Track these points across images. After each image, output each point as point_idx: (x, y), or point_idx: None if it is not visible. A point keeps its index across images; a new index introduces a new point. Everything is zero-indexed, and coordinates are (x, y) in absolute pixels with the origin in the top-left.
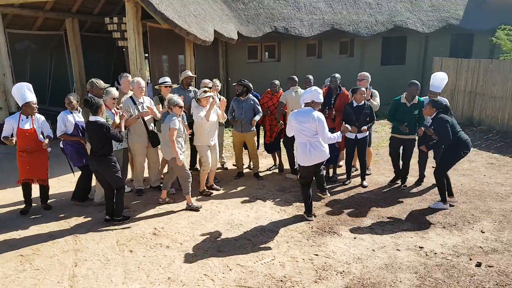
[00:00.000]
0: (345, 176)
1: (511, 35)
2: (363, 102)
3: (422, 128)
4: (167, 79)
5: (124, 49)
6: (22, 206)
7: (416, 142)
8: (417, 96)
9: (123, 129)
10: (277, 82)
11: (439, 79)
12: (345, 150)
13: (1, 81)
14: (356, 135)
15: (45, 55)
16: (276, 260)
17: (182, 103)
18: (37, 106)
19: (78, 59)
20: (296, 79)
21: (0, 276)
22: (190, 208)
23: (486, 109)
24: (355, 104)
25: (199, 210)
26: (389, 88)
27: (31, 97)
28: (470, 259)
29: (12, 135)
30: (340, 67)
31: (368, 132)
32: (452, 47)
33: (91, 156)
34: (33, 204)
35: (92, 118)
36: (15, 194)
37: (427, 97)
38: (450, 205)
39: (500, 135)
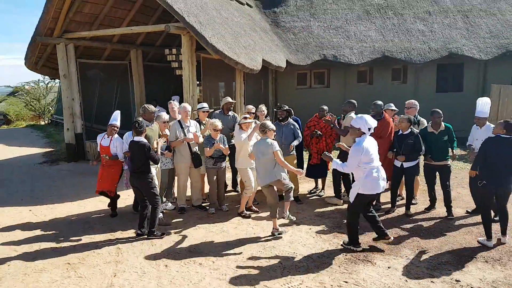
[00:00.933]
0: (389, 205)
1: None
2: (409, 130)
3: (454, 151)
4: (205, 104)
5: (181, 78)
6: (74, 217)
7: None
8: (442, 123)
9: (159, 153)
10: (325, 107)
11: (482, 104)
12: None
13: (70, 104)
14: (402, 163)
15: (112, 82)
16: (303, 285)
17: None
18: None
19: (140, 87)
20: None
21: (48, 280)
22: (272, 235)
23: None
24: (400, 132)
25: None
26: (445, 116)
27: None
28: None
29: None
30: (393, 94)
31: (416, 161)
32: None
33: (131, 173)
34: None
35: (136, 138)
36: (72, 207)
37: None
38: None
39: None
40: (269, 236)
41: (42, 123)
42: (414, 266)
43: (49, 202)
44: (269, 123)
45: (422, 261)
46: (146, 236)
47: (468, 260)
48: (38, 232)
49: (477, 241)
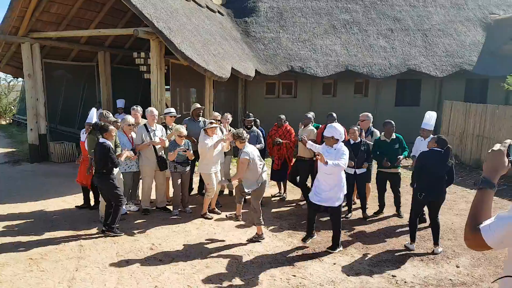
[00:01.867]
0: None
1: None
2: (359, 139)
3: (400, 157)
4: (172, 109)
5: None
6: (37, 216)
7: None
8: (394, 133)
9: (122, 159)
10: (282, 116)
11: (428, 117)
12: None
13: (34, 105)
14: (355, 170)
15: (78, 84)
16: (255, 278)
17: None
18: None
19: (107, 89)
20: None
21: (10, 274)
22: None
23: None
24: (351, 141)
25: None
26: (403, 128)
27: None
28: None
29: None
30: (355, 106)
31: (367, 168)
32: (467, 91)
33: (94, 174)
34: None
35: (101, 139)
36: (35, 206)
37: (420, 136)
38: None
39: (505, 179)
40: (247, 241)
41: (3, 122)
42: (357, 263)
43: (12, 201)
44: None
45: (364, 259)
46: (104, 229)
47: (405, 259)
48: None
49: (404, 245)
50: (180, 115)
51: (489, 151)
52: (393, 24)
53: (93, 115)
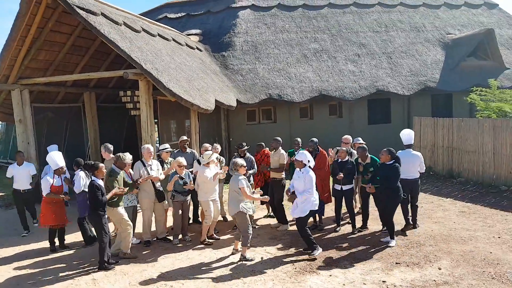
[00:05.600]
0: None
1: (483, 95)
2: (346, 158)
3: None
4: (167, 145)
5: (136, 117)
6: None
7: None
8: (369, 155)
9: (108, 197)
10: (263, 144)
11: (405, 134)
12: (334, 200)
13: (25, 149)
14: (341, 186)
15: (61, 123)
16: None
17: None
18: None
19: (94, 127)
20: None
21: None
22: (245, 259)
23: (463, 163)
24: (339, 160)
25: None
26: (377, 145)
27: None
28: None
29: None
30: (330, 127)
31: (353, 184)
32: (433, 107)
33: (89, 210)
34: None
35: (92, 178)
36: (40, 246)
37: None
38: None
39: (476, 186)
40: (237, 261)
41: None
42: (350, 273)
43: (15, 244)
44: (240, 161)
45: (357, 269)
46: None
47: (393, 266)
48: (10, 270)
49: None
50: (174, 150)
51: None
52: (359, 50)
53: (59, 158)
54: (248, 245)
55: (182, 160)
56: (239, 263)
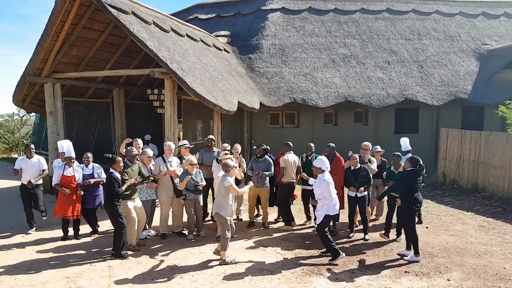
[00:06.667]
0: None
1: None
2: (359, 166)
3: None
4: (186, 141)
5: (161, 115)
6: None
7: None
8: (402, 164)
9: (123, 188)
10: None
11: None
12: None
13: (55, 140)
14: (356, 193)
15: (91, 118)
16: None
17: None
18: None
19: (122, 123)
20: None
21: None
22: (224, 262)
23: (488, 177)
24: (352, 168)
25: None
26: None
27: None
28: None
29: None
30: (355, 134)
31: (367, 192)
32: (464, 119)
33: (105, 200)
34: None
35: (110, 170)
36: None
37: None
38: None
39: (500, 202)
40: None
41: (15, 156)
42: (357, 278)
43: (38, 229)
44: (231, 162)
45: (364, 274)
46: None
47: (402, 274)
48: (33, 253)
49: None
50: (193, 145)
51: None
52: (389, 57)
53: (67, 145)
54: (226, 249)
55: (193, 158)
56: (246, 259)
